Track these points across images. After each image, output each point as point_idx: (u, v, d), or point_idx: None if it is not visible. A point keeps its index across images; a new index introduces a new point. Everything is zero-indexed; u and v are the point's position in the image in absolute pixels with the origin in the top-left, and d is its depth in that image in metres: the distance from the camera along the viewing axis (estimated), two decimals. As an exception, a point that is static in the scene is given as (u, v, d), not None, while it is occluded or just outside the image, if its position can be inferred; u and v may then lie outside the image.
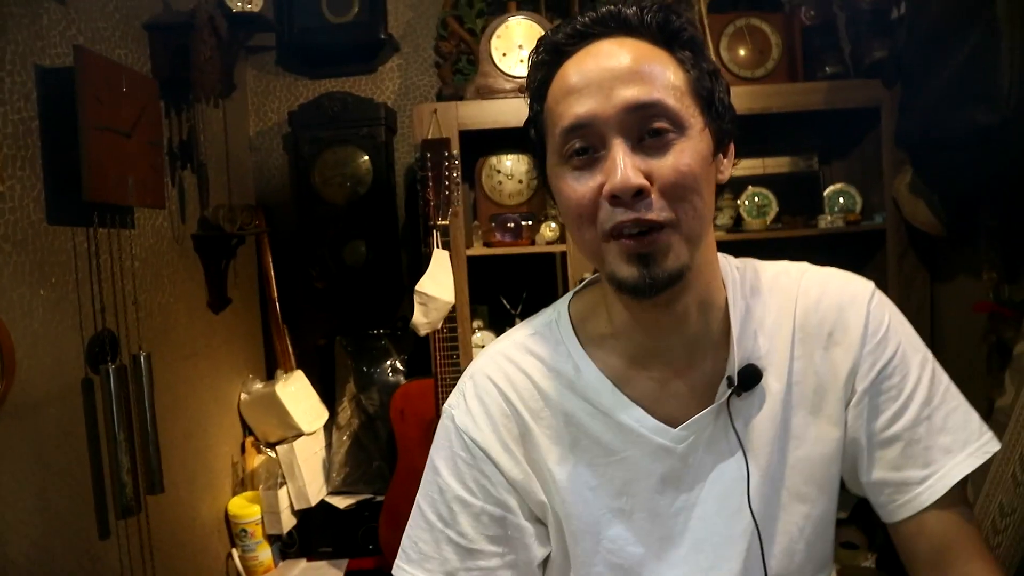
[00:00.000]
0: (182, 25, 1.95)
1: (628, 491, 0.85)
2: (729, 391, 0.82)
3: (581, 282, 0.96)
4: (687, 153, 0.74)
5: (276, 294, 2.41)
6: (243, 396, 2.32)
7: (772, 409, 0.84)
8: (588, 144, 0.75)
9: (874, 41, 2.11)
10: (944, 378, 0.85)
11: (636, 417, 0.84)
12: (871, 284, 0.87)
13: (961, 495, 0.82)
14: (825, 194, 2.29)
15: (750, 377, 0.82)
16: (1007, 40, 1.45)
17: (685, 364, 0.84)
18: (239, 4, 2.15)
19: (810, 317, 0.85)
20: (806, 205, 2.29)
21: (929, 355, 0.85)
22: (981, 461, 0.81)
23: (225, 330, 2.28)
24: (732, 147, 0.84)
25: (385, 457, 2.40)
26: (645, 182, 0.73)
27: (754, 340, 0.85)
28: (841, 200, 2.28)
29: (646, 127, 0.74)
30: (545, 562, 0.91)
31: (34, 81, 1.49)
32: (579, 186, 0.76)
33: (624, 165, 0.72)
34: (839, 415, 0.85)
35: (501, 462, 0.86)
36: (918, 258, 2.16)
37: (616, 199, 0.73)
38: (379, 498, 2.36)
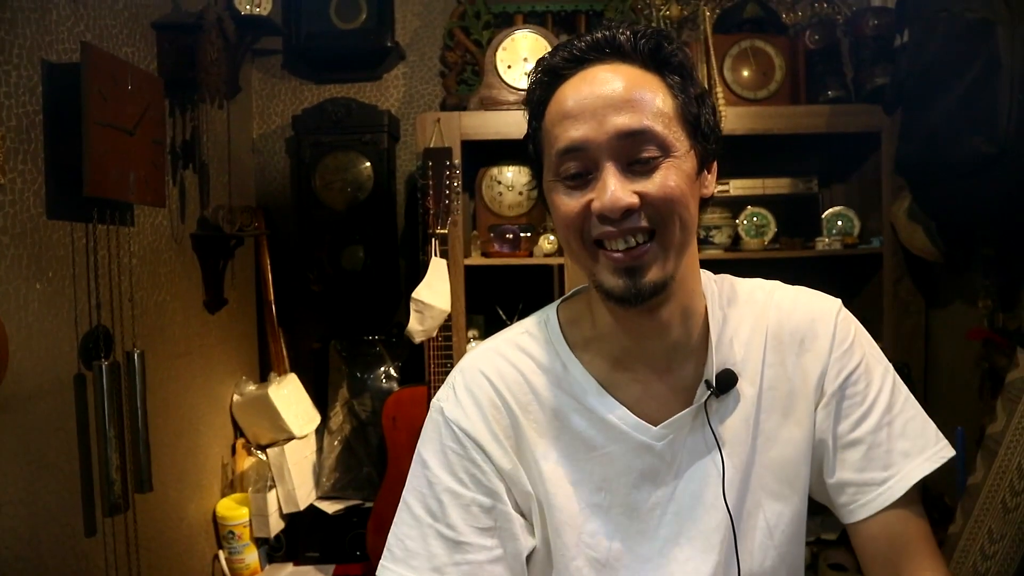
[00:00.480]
0: (190, 26, 1.96)
1: (607, 486, 0.89)
2: (707, 393, 0.87)
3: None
4: (672, 173, 0.80)
5: (273, 296, 2.41)
6: (235, 397, 2.32)
7: (746, 411, 0.90)
8: (581, 167, 0.81)
9: (876, 67, 2.13)
10: (904, 389, 0.91)
11: (619, 415, 0.88)
12: (838, 300, 0.94)
13: (916, 497, 0.88)
14: (824, 216, 2.30)
15: (727, 381, 0.88)
16: (1007, 71, 1.46)
17: (666, 368, 0.89)
18: (247, 7, 2.16)
19: (783, 327, 0.91)
20: (804, 227, 2.30)
21: (891, 367, 0.92)
22: (937, 465, 0.87)
23: (220, 330, 2.28)
24: (715, 163, 0.89)
25: (375, 464, 2.39)
26: (634, 200, 0.78)
27: (730, 347, 0.90)
28: (839, 223, 2.29)
29: (635, 151, 0.79)
30: (530, 557, 0.93)
31: (40, 76, 1.50)
32: (571, 201, 0.82)
33: (614, 187, 0.78)
34: (809, 418, 0.90)
35: (491, 451, 0.89)
36: (914, 283, 2.17)
37: (605, 217, 0.79)
38: (368, 504, 2.35)
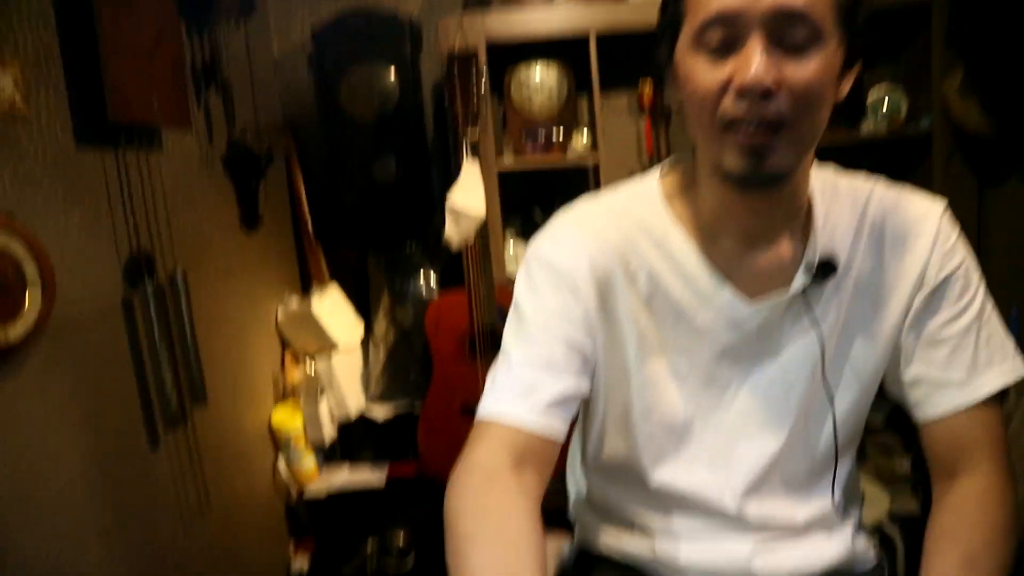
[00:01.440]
0: (200, -59, 1.92)
1: (690, 354, 0.92)
2: (807, 277, 0.88)
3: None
4: (819, 64, 0.76)
5: (308, 212, 2.43)
6: (280, 312, 2.38)
7: (839, 301, 0.91)
8: (726, 39, 0.77)
9: (925, -69, 1.98)
10: (991, 302, 0.92)
11: (716, 286, 0.89)
12: (943, 202, 0.93)
13: (992, 408, 0.89)
14: (869, 97, 2.18)
15: (826, 267, 0.88)
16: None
17: (767, 250, 0.90)
18: (257, -85, 2.10)
19: (886, 223, 0.91)
20: (848, 110, 2.20)
21: (983, 279, 0.92)
22: (1013, 379, 0.90)
23: (259, 249, 2.32)
24: (856, 68, 0.85)
25: (421, 370, 2.45)
26: (776, 82, 0.75)
27: (831, 236, 0.90)
28: (886, 104, 2.17)
29: (787, 31, 0.75)
30: (601, 417, 0.98)
31: (52, 3, 1.49)
32: (708, 75, 0.78)
33: (759, 64, 0.74)
34: (897, 314, 0.91)
35: (583, 291, 0.90)
36: (965, 163, 2.08)
37: (744, 94, 0.76)
38: (416, 411, 2.43)
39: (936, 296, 0.90)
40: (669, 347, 0.92)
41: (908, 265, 0.90)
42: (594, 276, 0.90)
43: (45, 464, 1.42)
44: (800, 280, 0.88)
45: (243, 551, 2.12)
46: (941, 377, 0.89)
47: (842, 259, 0.90)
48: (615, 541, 1.07)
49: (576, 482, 1.17)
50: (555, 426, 0.86)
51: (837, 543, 0.99)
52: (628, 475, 1.00)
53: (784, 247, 0.90)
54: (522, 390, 0.86)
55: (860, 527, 1.05)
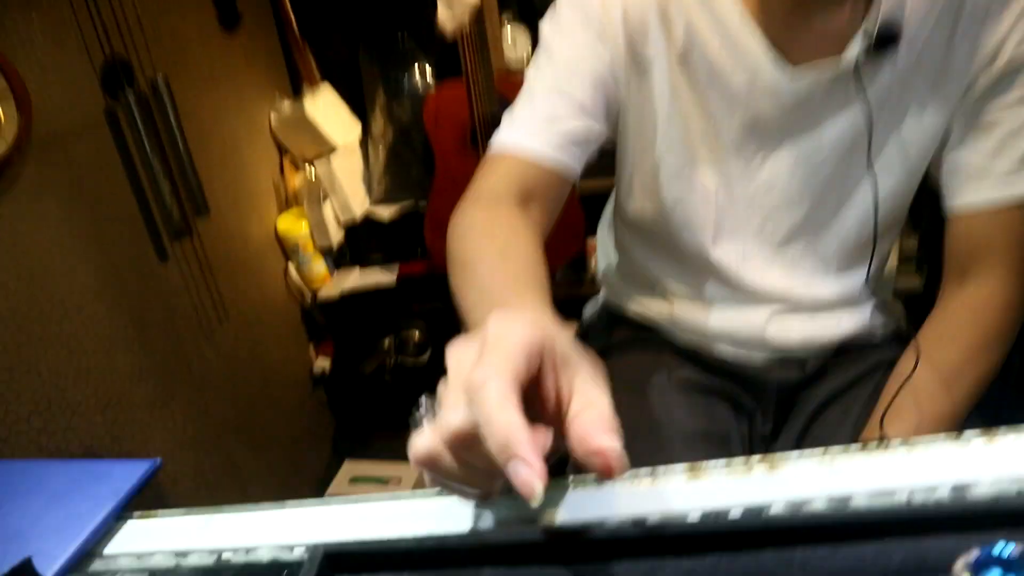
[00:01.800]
0: None
1: (722, 118, 0.87)
2: (863, 45, 0.78)
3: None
4: None
5: (290, 7, 2.26)
6: (273, 117, 2.29)
7: (897, 76, 0.81)
8: None
9: None
10: None
11: (758, 44, 0.81)
12: None
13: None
14: None
15: (887, 36, 0.77)
16: None
17: (823, 14, 0.79)
18: None
19: None
20: None
21: None
22: None
23: (242, 51, 2.19)
24: None
25: (423, 166, 2.40)
26: None
27: (899, 4, 0.78)
28: None
29: None
30: (623, 167, 0.96)
31: None
32: None
33: None
34: (959, 93, 0.82)
35: (613, 35, 0.85)
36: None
37: None
38: (421, 208, 2.40)
39: (1005, 76, 0.79)
40: (701, 108, 0.86)
41: (983, 39, 0.78)
42: (626, 22, 0.85)
43: (58, 281, 1.42)
44: (854, 49, 0.78)
45: (266, 356, 2.20)
46: (985, 166, 0.82)
47: (908, 31, 0.78)
48: (638, 305, 1.09)
49: (606, 245, 1.19)
50: (567, 162, 0.85)
51: (855, 319, 0.99)
52: (653, 237, 1.00)
53: (842, 13, 0.79)
54: (540, 122, 0.85)
55: (881, 306, 1.04)
